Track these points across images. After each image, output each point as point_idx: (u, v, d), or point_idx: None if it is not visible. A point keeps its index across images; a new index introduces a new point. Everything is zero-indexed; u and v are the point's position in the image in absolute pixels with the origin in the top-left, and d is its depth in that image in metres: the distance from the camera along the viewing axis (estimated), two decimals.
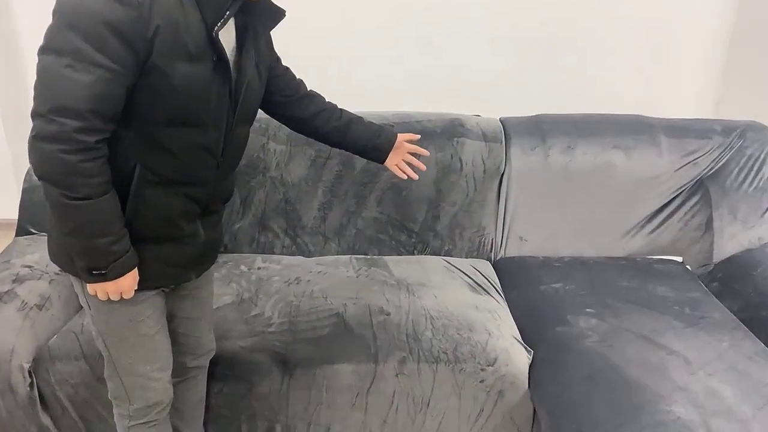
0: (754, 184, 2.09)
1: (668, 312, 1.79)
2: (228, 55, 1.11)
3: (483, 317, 1.74)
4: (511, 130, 2.16)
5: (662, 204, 2.15)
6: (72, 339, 1.63)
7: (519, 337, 1.70)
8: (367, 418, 1.67)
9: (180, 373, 1.44)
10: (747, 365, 1.54)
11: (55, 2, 0.98)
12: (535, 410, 1.65)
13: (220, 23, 1.06)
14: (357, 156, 1.61)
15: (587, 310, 1.80)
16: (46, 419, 1.64)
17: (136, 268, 1.15)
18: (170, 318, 1.37)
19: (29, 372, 1.59)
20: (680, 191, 2.13)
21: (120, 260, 1.10)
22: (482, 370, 1.60)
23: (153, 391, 1.29)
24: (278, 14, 1.21)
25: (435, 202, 2.13)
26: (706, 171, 2.12)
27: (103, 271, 1.09)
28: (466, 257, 2.19)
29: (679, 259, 2.17)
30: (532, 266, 2.11)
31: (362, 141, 1.48)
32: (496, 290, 1.94)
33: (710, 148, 2.12)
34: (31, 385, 1.59)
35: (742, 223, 2.07)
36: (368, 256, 2.14)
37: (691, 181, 2.13)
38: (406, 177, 1.54)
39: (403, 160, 1.53)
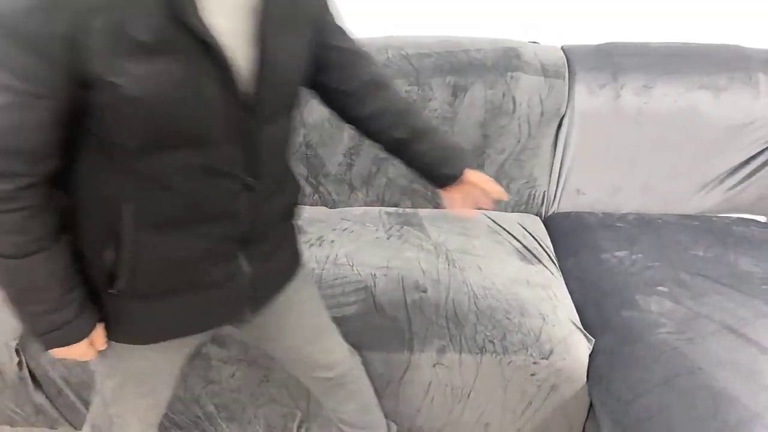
0: None
1: (756, 293, 1.51)
2: (223, 28, 0.72)
3: (536, 296, 1.48)
4: (576, 62, 1.80)
5: (750, 156, 1.81)
6: None
7: (578, 323, 1.45)
8: (398, 406, 1.47)
9: (322, 388, 1.24)
10: None
11: None
12: (591, 405, 1.44)
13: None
14: None
15: (659, 288, 1.53)
16: (40, 398, 1.48)
17: (101, 327, 0.89)
18: (263, 347, 1.17)
19: (16, 350, 1.40)
20: None
21: (57, 332, 0.83)
22: (534, 363, 1.36)
23: None
24: None
25: (480, 149, 1.82)
26: None
27: (43, 339, 0.85)
28: (512, 212, 1.91)
29: (764, 219, 1.86)
30: (590, 226, 1.82)
31: (421, 165, 1.08)
32: (550, 258, 1.67)
33: None
34: (19, 364, 1.41)
35: None
36: (400, 210, 1.87)
37: None
38: (460, 215, 1.16)
39: (467, 199, 1.11)
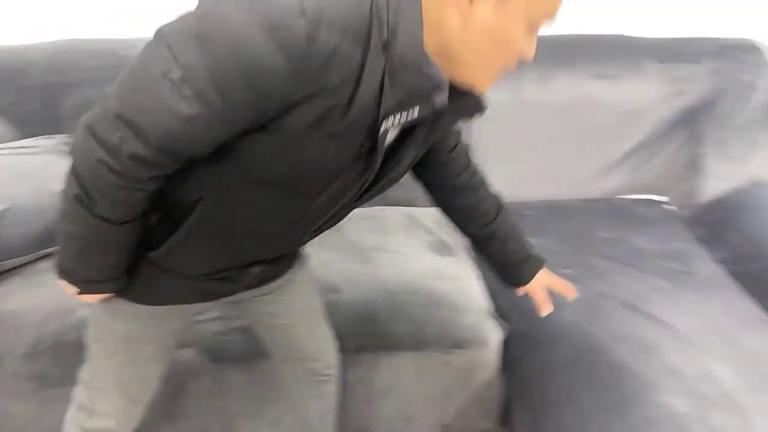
0: (746, 115, 1.86)
1: (652, 270, 1.60)
2: (383, 146, 0.79)
3: (449, 287, 1.52)
4: None
5: (644, 139, 1.92)
6: None
7: (491, 310, 1.49)
8: None
9: (300, 377, 1.26)
10: (741, 335, 1.38)
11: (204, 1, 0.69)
12: (507, 388, 1.49)
13: (397, 117, 0.75)
14: None
15: (565, 271, 1.56)
16: None
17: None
18: (251, 321, 1.21)
19: None
20: (666, 124, 1.90)
21: (89, 284, 0.90)
22: (448, 353, 1.40)
23: (118, 419, 1.08)
24: (477, 108, 0.87)
25: None
26: (695, 101, 1.88)
27: (71, 280, 0.90)
28: (429, 206, 1.94)
29: (661, 198, 1.98)
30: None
31: (494, 263, 1.20)
32: (464, 249, 1.71)
33: (701, 74, 1.87)
34: None
35: (733, 160, 1.86)
36: None
37: (679, 112, 1.88)
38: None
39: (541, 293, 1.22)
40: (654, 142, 1.91)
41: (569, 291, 1.22)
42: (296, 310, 1.17)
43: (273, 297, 1.11)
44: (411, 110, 0.75)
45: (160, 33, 0.69)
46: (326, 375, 1.27)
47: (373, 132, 0.75)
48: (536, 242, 1.69)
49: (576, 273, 1.57)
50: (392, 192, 1.87)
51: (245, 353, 1.37)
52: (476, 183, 1.13)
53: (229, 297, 1.06)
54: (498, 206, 1.15)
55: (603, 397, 1.23)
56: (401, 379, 1.42)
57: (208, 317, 1.39)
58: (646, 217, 1.85)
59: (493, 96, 1.82)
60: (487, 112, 1.88)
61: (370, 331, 1.39)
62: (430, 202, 1.92)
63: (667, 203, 1.93)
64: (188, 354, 1.36)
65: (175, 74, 0.67)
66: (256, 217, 0.86)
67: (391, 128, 0.77)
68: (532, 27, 0.74)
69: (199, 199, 0.83)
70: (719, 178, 1.86)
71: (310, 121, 0.70)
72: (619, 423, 1.17)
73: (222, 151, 0.75)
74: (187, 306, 1.02)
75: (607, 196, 1.98)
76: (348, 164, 0.80)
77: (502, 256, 1.18)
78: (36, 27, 1.93)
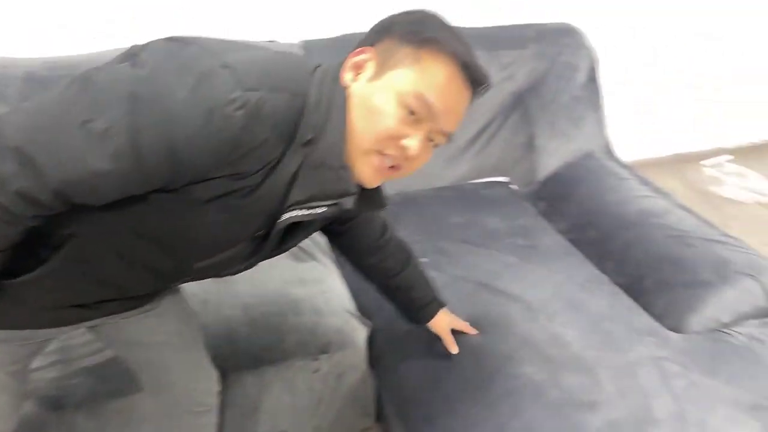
0: (570, 94, 2.01)
1: (502, 247, 1.68)
2: (277, 236, 0.83)
3: (310, 293, 1.49)
4: (315, 55, 1.80)
5: (483, 124, 2.01)
6: None
7: (353, 309, 1.48)
8: None
9: (172, 410, 1.16)
10: (582, 297, 1.49)
11: (150, 52, 0.69)
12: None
13: (302, 211, 0.78)
14: None
15: (422, 260, 1.61)
16: None
17: None
18: (113, 347, 1.13)
19: None
20: (500, 109, 2.00)
21: None
22: (315, 360, 1.37)
23: None
24: (379, 204, 0.93)
25: None
26: (523, 84, 2.00)
27: None
28: None
29: (505, 179, 2.08)
30: None
31: (397, 305, 1.30)
32: (323, 252, 1.68)
33: (526, 58, 1.99)
34: None
35: (563, 137, 2.00)
36: None
37: (510, 96, 2.00)
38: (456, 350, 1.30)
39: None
40: (492, 127, 2.01)
41: (471, 330, 1.33)
42: (164, 332, 1.08)
43: (136, 320, 1.02)
44: (317, 208, 0.79)
45: (87, 78, 0.67)
46: (204, 406, 1.18)
47: (274, 219, 0.79)
48: None
49: (432, 260, 1.62)
50: None
51: (91, 396, 1.24)
52: (384, 242, 1.17)
53: (86, 322, 0.98)
54: (404, 261, 1.22)
55: (465, 376, 1.26)
56: (270, 394, 1.37)
57: (43, 363, 1.25)
58: (493, 198, 1.94)
59: None
60: None
61: (231, 351, 1.33)
62: None
63: (509, 183, 2.05)
64: (25, 406, 1.21)
65: (98, 126, 0.64)
66: (127, 265, 0.83)
67: (291, 220, 0.79)
68: (403, 104, 0.74)
69: (70, 235, 0.77)
70: (552, 155, 2.00)
71: (214, 194, 0.71)
72: (482, 399, 1.21)
73: (108, 207, 0.73)
74: (39, 331, 0.93)
75: (455, 183, 2.05)
76: (241, 241, 0.83)
77: (406, 302, 1.27)
78: (35, 27, 1.83)
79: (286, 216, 0.78)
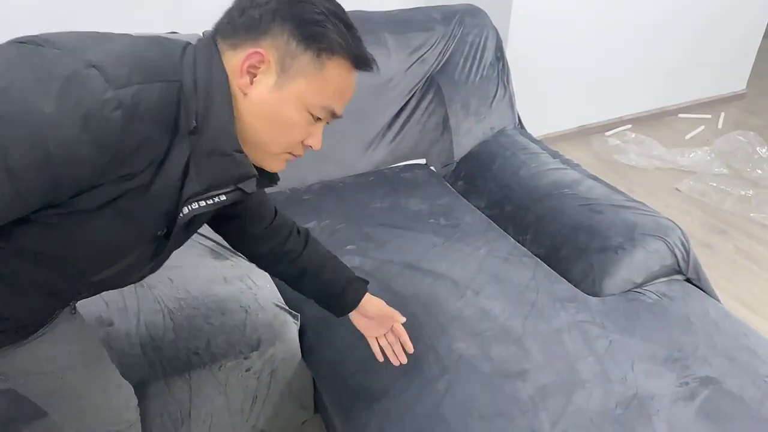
0: (480, 73, 2.05)
1: (426, 228, 1.70)
2: (181, 232, 0.80)
3: (235, 290, 1.45)
4: None
5: (398, 109, 2.01)
6: None
7: (281, 302, 1.46)
8: None
9: None
10: (505, 270, 1.54)
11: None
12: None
13: (202, 203, 0.74)
14: None
15: (348, 247, 1.62)
16: None
17: None
18: (8, 382, 0.96)
19: None
20: (413, 92, 2.01)
21: None
22: (246, 358, 1.34)
23: None
24: (272, 180, 0.88)
25: None
26: (434, 66, 2.01)
27: None
28: None
29: (423, 161, 2.11)
30: (280, 204, 1.82)
31: (317, 299, 1.17)
32: None
33: (435, 40, 2.00)
34: None
35: (475, 116, 2.04)
36: None
37: (422, 79, 2.01)
38: (381, 358, 1.17)
39: (386, 339, 1.17)
40: (407, 110, 2.02)
41: (397, 315, 1.18)
42: (65, 355, 0.98)
43: (31, 347, 0.92)
44: (217, 197, 0.76)
45: None
46: (123, 424, 1.09)
47: (173, 216, 0.75)
48: (315, 224, 1.71)
49: (358, 246, 1.62)
50: None
51: (7, 420, 1.16)
52: (277, 225, 1.09)
53: None
54: (304, 242, 1.12)
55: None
56: (202, 398, 1.33)
57: None
58: (413, 181, 1.96)
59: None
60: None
61: (157, 358, 1.27)
62: None
63: (427, 165, 2.07)
64: None
65: None
66: (17, 291, 0.77)
67: (192, 214, 0.75)
68: (309, 114, 0.77)
69: None
70: (466, 134, 2.03)
71: (103, 200, 0.67)
72: (417, 379, 1.22)
73: None
74: None
75: (374, 169, 2.05)
76: (140, 245, 0.79)
77: (321, 288, 1.14)
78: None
79: (186, 210, 0.74)
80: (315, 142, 0.81)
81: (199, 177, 0.72)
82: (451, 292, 1.45)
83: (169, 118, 0.67)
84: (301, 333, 1.43)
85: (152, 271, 0.89)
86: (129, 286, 1.42)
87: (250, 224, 1.06)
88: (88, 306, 1.34)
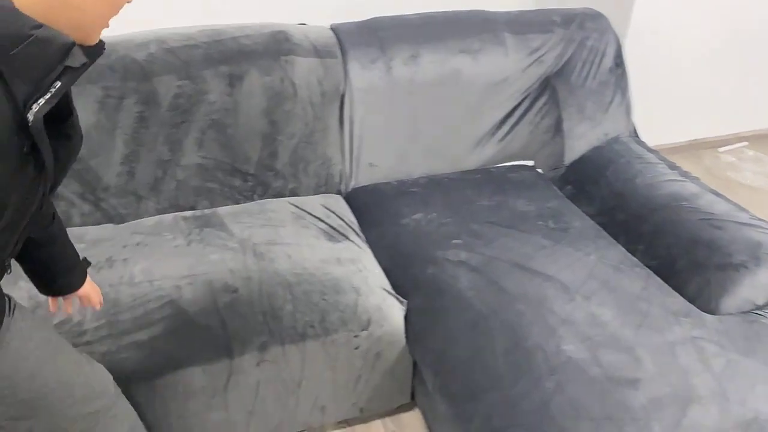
0: (598, 78, 2.02)
1: (534, 230, 1.70)
2: (44, 136, 0.72)
3: (347, 272, 1.51)
4: (345, 40, 1.84)
5: (511, 108, 2.02)
6: None
7: (390, 288, 1.51)
8: (229, 414, 1.41)
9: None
10: (617, 278, 1.51)
11: None
12: (415, 363, 1.51)
13: (44, 100, 0.68)
14: (161, 92, 1.46)
15: (454, 241, 1.65)
16: None
17: None
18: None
19: None
20: (528, 92, 2.01)
21: None
22: (356, 336, 1.39)
23: None
24: (100, 50, 0.78)
25: (270, 137, 1.79)
26: (551, 68, 2.00)
27: None
28: (315, 194, 1.92)
29: (531, 162, 2.10)
30: (388, 195, 1.89)
31: (45, 270, 1.10)
32: (355, 232, 1.71)
33: (553, 42, 1.99)
34: None
35: (590, 121, 2.01)
36: (197, 212, 1.77)
37: (538, 80, 2.00)
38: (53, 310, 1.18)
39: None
40: (519, 111, 2.02)
41: (95, 300, 1.20)
42: (30, 351, 0.95)
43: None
44: (53, 85, 0.69)
45: None
46: (101, 399, 1.08)
47: (24, 128, 0.68)
48: (422, 217, 1.75)
49: (465, 242, 1.64)
50: (276, 183, 1.84)
51: (141, 369, 1.27)
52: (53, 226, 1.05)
53: None
54: (52, 212, 1.05)
55: (507, 354, 1.28)
56: (311, 370, 1.40)
57: (93, 338, 1.27)
58: (520, 181, 1.96)
59: (366, 78, 1.84)
60: (364, 95, 1.89)
61: (275, 327, 1.35)
62: (313, 191, 1.91)
63: (535, 167, 2.06)
64: None
65: None
66: None
67: (41, 114, 0.69)
68: None
69: None
70: (579, 139, 2.01)
71: None
72: (526, 375, 1.23)
73: None
74: None
75: (481, 167, 2.07)
76: (14, 174, 0.72)
77: (59, 259, 1.10)
78: None
79: (30, 116, 0.68)
80: None
81: (21, 78, 0.66)
82: (559, 294, 1.44)
83: None
84: (406, 319, 1.47)
85: (44, 204, 0.85)
86: (251, 259, 1.51)
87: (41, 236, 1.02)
88: (215, 273, 1.45)
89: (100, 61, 1.34)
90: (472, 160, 2.06)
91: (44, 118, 0.70)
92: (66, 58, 0.69)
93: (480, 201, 1.85)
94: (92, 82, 1.57)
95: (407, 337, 1.47)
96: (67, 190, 1.67)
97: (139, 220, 1.75)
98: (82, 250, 1.45)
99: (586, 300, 1.43)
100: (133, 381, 1.26)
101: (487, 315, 1.38)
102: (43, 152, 0.73)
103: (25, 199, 0.78)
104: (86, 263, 1.17)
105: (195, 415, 1.36)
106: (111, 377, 1.13)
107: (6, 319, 0.92)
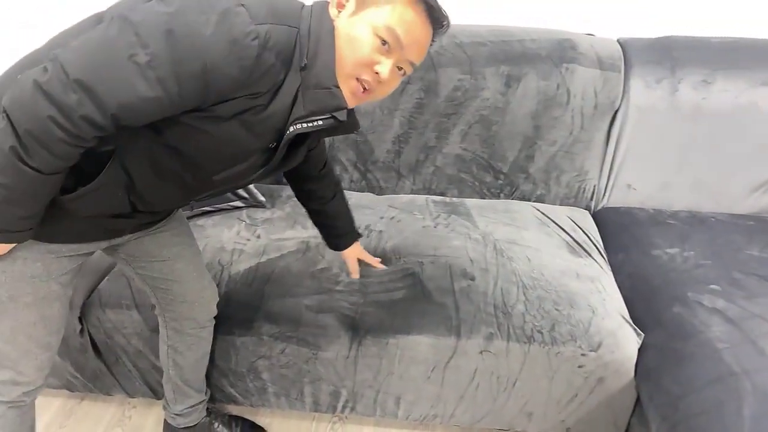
0: None
1: None
2: (286, 144, 1.00)
3: (586, 289, 1.48)
4: (632, 55, 1.77)
5: None
6: (123, 285, 1.48)
7: (627, 317, 1.44)
8: (442, 391, 1.48)
9: (177, 330, 1.36)
10: None
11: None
12: (638, 399, 1.43)
13: (303, 125, 0.95)
14: (442, 83, 1.68)
15: (711, 286, 1.50)
16: (98, 364, 1.54)
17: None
18: (133, 264, 1.24)
19: (79, 318, 1.46)
20: None
21: (8, 235, 0.92)
22: (583, 355, 1.36)
23: (25, 367, 1.09)
24: (353, 126, 1.08)
25: (531, 140, 1.81)
26: None
27: None
28: (561, 204, 1.90)
29: None
30: (641, 221, 1.79)
31: (322, 231, 1.48)
32: (599, 251, 1.66)
33: None
34: (81, 331, 1.47)
35: None
36: (447, 199, 1.88)
37: None
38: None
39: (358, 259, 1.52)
40: None
41: (377, 264, 1.52)
42: (174, 245, 1.24)
43: (154, 236, 1.20)
44: (316, 121, 0.94)
45: (125, 18, 0.79)
46: (205, 327, 1.38)
47: (281, 133, 0.95)
48: (677, 252, 1.63)
49: (724, 289, 1.49)
50: (525, 186, 1.87)
51: (379, 325, 1.40)
52: (324, 174, 1.34)
53: (118, 238, 1.13)
54: (334, 192, 1.39)
55: (756, 420, 1.14)
56: (529, 374, 1.40)
57: (346, 288, 1.45)
58: None
59: (647, 97, 1.76)
60: (640, 114, 1.81)
61: (503, 322, 1.38)
62: (559, 202, 1.89)
63: None
64: (327, 319, 1.41)
65: (142, 59, 0.77)
66: (159, 178, 0.97)
67: (295, 132, 0.94)
68: (376, 35, 0.89)
69: (112, 152, 0.91)
70: None
71: (234, 111, 0.87)
72: None
73: (148, 126, 0.87)
74: (83, 244, 1.07)
75: (758, 214, 1.84)
76: (255, 153, 1.00)
77: (331, 227, 1.46)
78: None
79: (291, 129, 0.93)
80: (384, 69, 0.90)
81: (304, 104, 0.92)
82: None
83: (288, 55, 0.87)
84: (640, 352, 1.39)
85: (259, 178, 1.06)
86: (491, 253, 1.56)
87: (306, 168, 1.28)
88: (456, 258, 1.53)
89: None
90: (748, 204, 1.85)
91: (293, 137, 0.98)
92: (336, 111, 0.94)
93: (749, 250, 1.65)
94: None
95: (636, 371, 1.39)
96: (345, 156, 1.90)
97: (395, 195, 1.91)
98: None
99: None
100: (370, 334, 1.40)
101: (737, 373, 1.24)
102: (278, 153, 0.99)
103: (241, 172, 1.02)
104: (357, 235, 1.51)
105: (413, 381, 1.46)
106: (215, 299, 1.37)
107: (173, 219, 1.24)
